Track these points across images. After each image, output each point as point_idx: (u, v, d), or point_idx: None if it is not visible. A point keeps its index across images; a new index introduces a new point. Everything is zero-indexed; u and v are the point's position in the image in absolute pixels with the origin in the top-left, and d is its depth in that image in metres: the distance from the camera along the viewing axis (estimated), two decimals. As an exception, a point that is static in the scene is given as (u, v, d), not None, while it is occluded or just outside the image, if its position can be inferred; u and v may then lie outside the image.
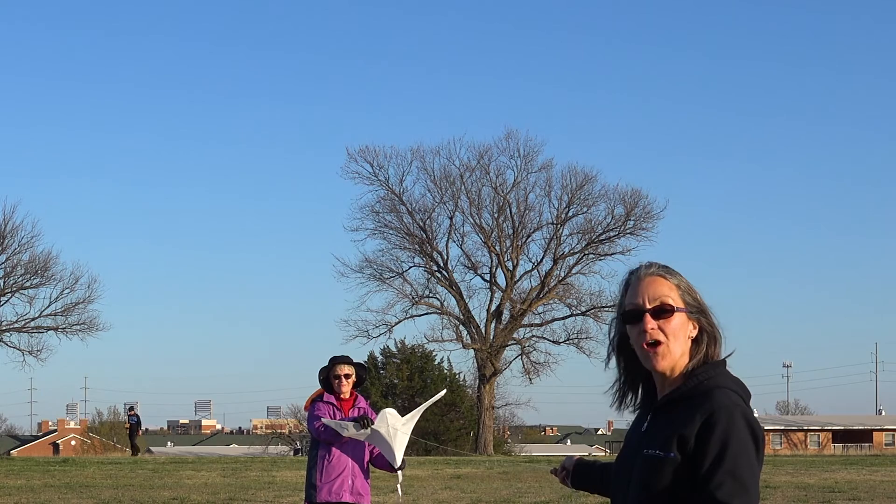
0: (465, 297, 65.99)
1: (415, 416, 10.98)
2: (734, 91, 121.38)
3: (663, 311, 3.60)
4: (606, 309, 65.42)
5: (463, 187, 65.79)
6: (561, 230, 65.81)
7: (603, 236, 65.86)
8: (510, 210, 65.88)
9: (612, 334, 3.75)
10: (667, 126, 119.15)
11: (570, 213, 65.79)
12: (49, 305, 62.24)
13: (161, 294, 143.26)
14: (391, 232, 66.01)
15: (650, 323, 3.59)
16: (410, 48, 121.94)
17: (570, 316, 66.06)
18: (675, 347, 3.60)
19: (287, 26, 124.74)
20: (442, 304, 66.15)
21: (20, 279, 62.00)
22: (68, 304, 62.31)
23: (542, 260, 66.09)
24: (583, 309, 65.81)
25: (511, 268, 65.91)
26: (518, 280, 66.16)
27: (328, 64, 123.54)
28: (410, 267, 66.19)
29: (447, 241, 65.98)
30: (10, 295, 61.93)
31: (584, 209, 65.90)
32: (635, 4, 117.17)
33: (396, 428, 10.56)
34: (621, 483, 3.65)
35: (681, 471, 3.46)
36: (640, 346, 3.63)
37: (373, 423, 10.51)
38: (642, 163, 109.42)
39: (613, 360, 3.76)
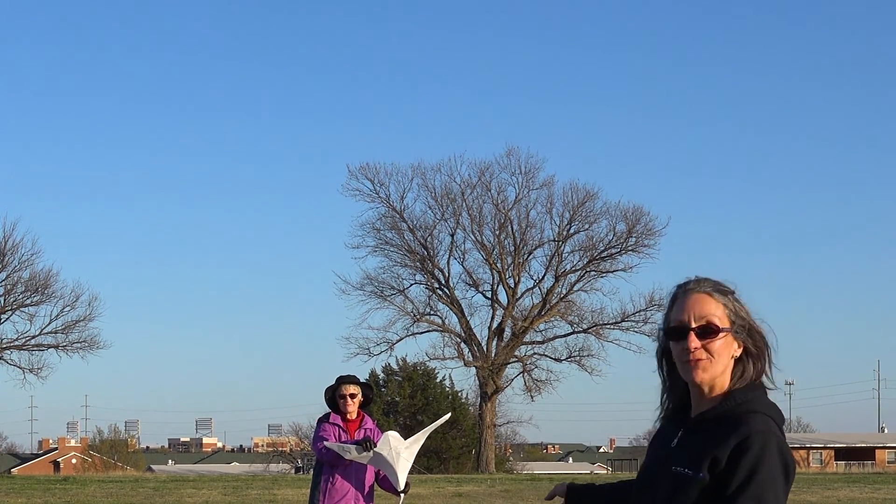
0: (466, 314, 65.91)
1: (419, 438, 10.87)
2: (736, 108, 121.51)
3: (709, 331, 3.52)
4: (608, 326, 65.34)
5: (464, 204, 65.80)
6: (562, 247, 65.76)
7: (604, 253, 65.78)
8: (511, 227, 65.83)
9: (658, 344, 3.68)
10: (668, 143, 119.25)
11: (571, 230, 65.76)
12: (49, 323, 62.20)
13: (162, 312, 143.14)
14: (392, 249, 66.01)
15: (694, 342, 3.51)
16: (411, 65, 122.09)
17: (571, 333, 66.01)
18: (717, 365, 3.52)
19: (287, 43, 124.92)
20: (443, 321, 66.07)
21: (20, 297, 61.94)
22: (69, 322, 62.27)
23: (543, 277, 66.05)
24: (584, 326, 65.71)
25: (512, 285, 65.82)
26: (519, 297, 66.08)
27: (328, 81, 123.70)
28: (412, 284, 66.17)
29: (448, 259, 65.98)
30: (10, 312, 61.86)
31: (586, 226, 65.89)
32: (636, 21, 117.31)
33: (399, 451, 10.46)
34: (645, 495, 3.60)
35: (708, 492, 3.41)
36: (681, 361, 3.56)
37: (375, 446, 10.40)
38: (644, 180, 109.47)
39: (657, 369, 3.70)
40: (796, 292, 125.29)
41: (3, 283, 61.88)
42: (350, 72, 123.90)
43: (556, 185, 66.19)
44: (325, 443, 10.51)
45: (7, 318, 62.04)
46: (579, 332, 65.76)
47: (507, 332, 65.92)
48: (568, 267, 65.92)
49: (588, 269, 65.95)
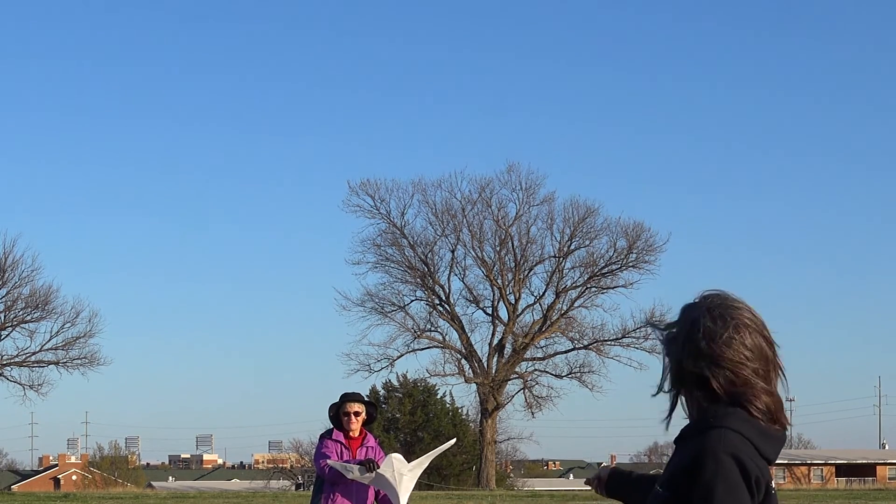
0: (466, 330, 65.88)
1: (422, 462, 10.84)
2: (737, 123, 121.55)
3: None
4: (609, 342, 65.29)
5: (464, 220, 65.80)
6: (563, 263, 65.72)
7: (605, 269, 65.75)
8: (512, 243, 65.81)
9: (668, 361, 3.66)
10: (669, 159, 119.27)
11: (572, 247, 65.74)
12: (50, 339, 62.18)
13: (162, 328, 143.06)
14: (393, 265, 65.97)
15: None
16: (411, 81, 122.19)
17: (572, 350, 65.94)
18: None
19: (287, 58, 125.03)
20: (444, 337, 66.03)
21: (21, 313, 61.91)
22: (69, 339, 62.24)
23: (544, 293, 66.01)
24: (585, 342, 65.67)
25: (513, 301, 65.78)
26: (520, 313, 66.01)
27: (328, 96, 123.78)
28: (412, 300, 66.13)
29: (449, 275, 65.96)
30: (10, 329, 61.83)
31: (587, 242, 65.87)
32: (636, 37, 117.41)
33: (402, 473, 10.44)
34: None
35: None
36: None
37: (378, 467, 10.37)
38: (644, 196, 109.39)
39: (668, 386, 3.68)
40: (797, 308, 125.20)
41: (4, 300, 61.88)
42: (350, 87, 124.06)
43: (557, 202, 66.26)
44: (329, 461, 10.48)
45: (7, 335, 62.02)
46: (580, 348, 65.73)
47: (508, 349, 65.87)
48: (568, 283, 65.94)
49: (589, 286, 65.93)
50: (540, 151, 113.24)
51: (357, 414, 10.78)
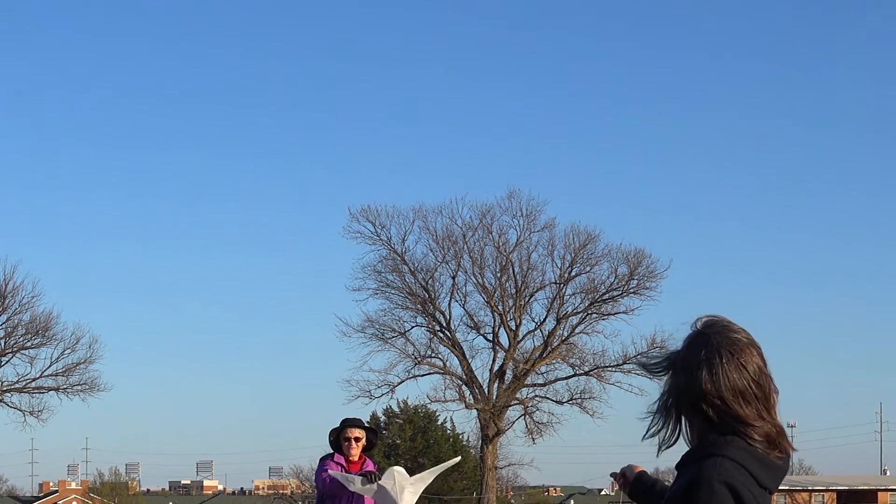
0: (467, 356, 65.82)
1: (425, 478, 10.86)
2: (738, 150, 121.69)
3: None
4: (609, 369, 65.23)
5: (465, 247, 65.82)
6: (564, 290, 65.70)
7: (606, 296, 65.73)
8: (513, 270, 65.81)
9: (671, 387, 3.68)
10: (670, 185, 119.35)
11: (572, 273, 65.71)
12: (50, 366, 62.17)
13: (162, 354, 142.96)
14: (393, 292, 65.95)
15: None
16: (412, 107, 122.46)
17: (573, 376, 65.86)
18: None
19: (287, 85, 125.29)
20: (444, 364, 65.97)
21: (21, 339, 61.91)
22: (69, 365, 62.25)
23: (545, 319, 65.97)
24: (586, 369, 65.60)
25: (514, 327, 65.73)
26: (521, 340, 65.99)
27: (328, 123, 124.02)
28: (413, 327, 66.08)
29: (450, 301, 65.92)
30: (10, 355, 61.83)
31: (587, 268, 65.86)
32: (636, 64, 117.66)
33: (403, 486, 10.45)
34: None
35: None
36: None
37: (380, 479, 10.40)
38: (645, 222, 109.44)
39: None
40: (798, 334, 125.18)
41: (4, 326, 61.89)
42: (351, 114, 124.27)
43: (558, 228, 66.26)
44: (330, 472, 10.51)
45: (7, 361, 62.02)
46: (581, 374, 65.65)
47: (509, 375, 65.79)
48: (569, 309, 65.89)
49: (589, 312, 65.90)
50: (541, 178, 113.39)
51: (357, 439, 10.83)
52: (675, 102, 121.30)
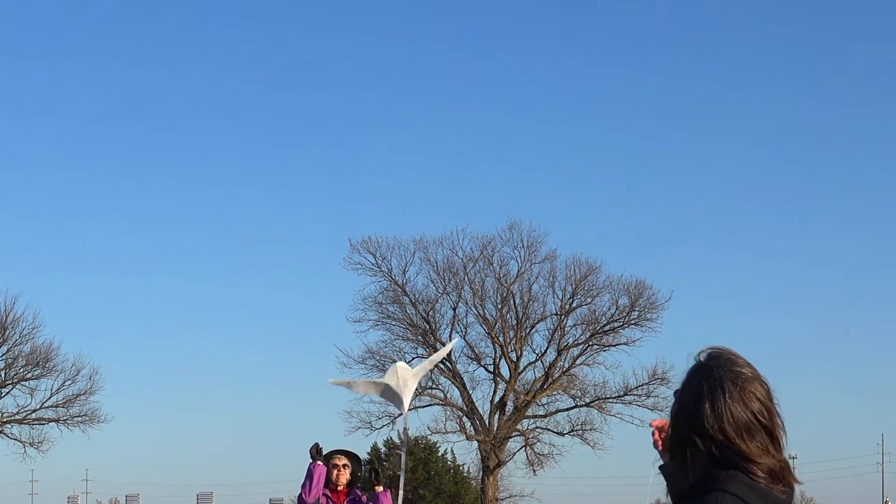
0: (468, 388, 65.70)
1: (425, 367, 11.06)
2: (739, 181, 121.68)
3: None
4: (611, 400, 65.07)
5: (466, 278, 65.78)
6: (565, 321, 65.63)
7: (607, 327, 65.67)
8: (514, 301, 65.76)
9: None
10: (671, 216, 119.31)
11: (574, 304, 65.67)
12: (50, 397, 62.11)
13: (163, 385, 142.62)
14: (394, 323, 65.93)
15: None
16: (412, 138, 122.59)
17: (574, 407, 65.72)
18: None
19: (287, 116, 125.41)
20: (445, 395, 65.86)
21: (21, 370, 61.87)
22: (70, 396, 62.17)
23: (545, 351, 65.89)
24: (587, 400, 65.47)
25: (515, 359, 65.65)
26: (522, 371, 65.88)
27: (329, 153, 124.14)
28: (413, 358, 65.91)
29: (450, 332, 65.82)
30: (10, 386, 61.77)
31: (588, 300, 65.81)
32: (637, 95, 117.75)
33: (406, 379, 10.52)
34: None
35: None
36: None
37: (321, 452, 10.45)
38: (646, 253, 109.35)
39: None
40: (800, 364, 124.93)
41: (4, 357, 61.85)
42: (351, 145, 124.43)
43: (559, 259, 66.24)
44: (330, 380, 10.65)
45: (8, 392, 61.95)
46: (582, 405, 65.52)
47: (510, 406, 65.67)
48: (570, 341, 65.83)
49: (591, 343, 65.83)
50: (541, 209, 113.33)
51: (346, 466, 10.83)
52: (674, 132, 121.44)
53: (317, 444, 10.50)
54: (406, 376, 10.61)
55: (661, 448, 3.99)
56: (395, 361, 61.20)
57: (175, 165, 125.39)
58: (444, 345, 65.52)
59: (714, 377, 3.51)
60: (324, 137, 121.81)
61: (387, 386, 10.50)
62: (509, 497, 73.22)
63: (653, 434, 4.14)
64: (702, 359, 3.60)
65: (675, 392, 3.67)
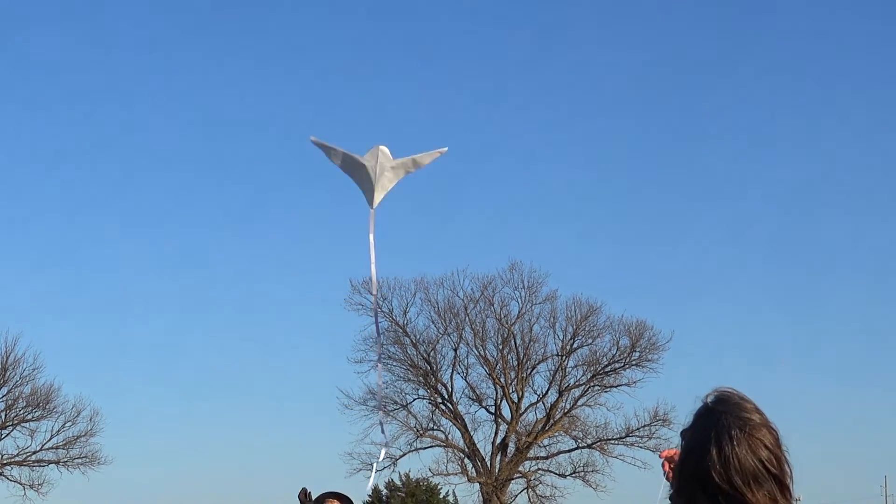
0: (469, 429, 65.49)
1: (407, 164, 10.11)
2: (740, 228, 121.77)
3: None
4: (612, 441, 64.84)
5: (467, 319, 65.71)
6: (566, 362, 65.52)
7: (608, 368, 65.55)
8: (515, 342, 65.66)
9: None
10: (672, 258, 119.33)
11: (574, 345, 65.58)
12: (51, 439, 61.89)
13: (164, 428, 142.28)
14: (395, 364, 65.80)
15: None
16: (413, 180, 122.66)
17: (575, 449, 65.51)
18: None
19: (288, 160, 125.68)
20: (447, 436, 65.64)
21: (21, 412, 61.70)
22: (70, 438, 61.95)
23: (547, 392, 65.74)
24: (589, 441, 65.26)
25: (516, 400, 65.50)
26: (523, 412, 65.71)
27: (329, 195, 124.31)
28: (415, 399, 65.87)
29: (451, 373, 65.74)
30: (11, 428, 61.58)
31: (589, 340, 65.72)
32: (637, 139, 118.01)
33: (385, 167, 9.75)
34: None
35: None
36: None
37: (309, 496, 10.23)
38: (647, 294, 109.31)
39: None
40: (801, 407, 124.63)
41: (5, 399, 61.70)
42: (352, 187, 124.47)
43: (560, 300, 66.16)
44: (311, 137, 10.07)
45: (8, 434, 61.75)
46: (583, 447, 65.32)
47: (511, 448, 65.47)
48: (571, 381, 65.69)
49: (592, 384, 65.69)
50: (542, 249, 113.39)
51: None
52: (673, 177, 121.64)
53: (304, 490, 10.38)
54: (385, 164, 9.82)
55: (671, 479, 3.91)
56: (397, 403, 60.94)
57: (172, 210, 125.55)
58: (444, 386, 65.43)
59: (722, 423, 3.45)
60: (324, 179, 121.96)
61: (363, 167, 9.69)
62: (511, 539, 72.95)
63: (663, 465, 4.07)
64: (709, 402, 3.54)
65: (682, 432, 3.61)
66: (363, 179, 9.75)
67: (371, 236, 10.12)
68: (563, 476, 65.38)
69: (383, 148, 9.98)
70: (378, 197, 9.77)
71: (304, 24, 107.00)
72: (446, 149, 11.80)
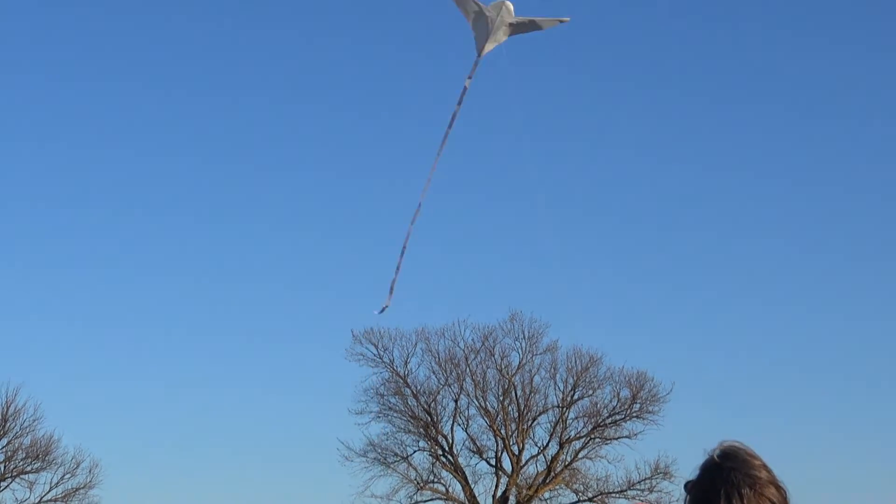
0: (470, 482, 65.23)
1: (527, 23, 10.10)
2: (741, 272, 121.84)
3: None
4: (613, 494, 64.53)
5: (468, 369, 65.57)
6: (566, 413, 65.33)
7: (609, 420, 65.36)
8: (515, 393, 65.50)
9: None
10: (672, 308, 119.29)
11: (575, 396, 65.40)
12: (50, 491, 61.61)
13: (163, 481, 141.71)
14: (396, 415, 65.61)
15: None
16: (413, 229, 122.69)
17: (577, 502, 65.18)
18: None
19: (288, 205, 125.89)
20: (447, 489, 65.36)
21: (21, 463, 61.46)
22: (69, 490, 61.70)
23: (547, 444, 65.50)
24: (590, 495, 64.96)
25: (517, 452, 65.27)
26: (524, 465, 65.46)
27: (330, 246, 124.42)
28: (415, 451, 65.63)
29: (452, 425, 65.53)
30: (10, 480, 61.32)
31: (590, 392, 65.54)
32: (637, 189, 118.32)
33: (505, 21, 9.73)
34: None
35: None
36: None
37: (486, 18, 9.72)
38: (647, 345, 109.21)
39: None
40: (801, 456, 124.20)
41: (4, 450, 61.48)
42: (352, 236, 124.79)
43: (560, 351, 66.04)
44: None
45: (7, 486, 61.50)
46: (584, 500, 64.98)
47: (512, 501, 65.16)
48: (572, 433, 65.44)
49: (592, 436, 65.46)
50: (542, 300, 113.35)
51: None
52: (674, 224, 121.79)
53: None
54: (506, 18, 9.83)
55: None
56: (397, 455, 60.71)
57: (173, 257, 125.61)
58: (445, 437, 65.18)
59: (731, 480, 3.42)
60: (323, 228, 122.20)
61: (484, 14, 9.68)
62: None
63: None
64: (716, 456, 3.51)
65: (686, 485, 3.60)
66: (480, 28, 9.74)
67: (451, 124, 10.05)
68: (565, 529, 65.09)
69: (508, 3, 9.99)
70: (489, 47, 9.75)
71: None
72: (568, 18, 11.87)
